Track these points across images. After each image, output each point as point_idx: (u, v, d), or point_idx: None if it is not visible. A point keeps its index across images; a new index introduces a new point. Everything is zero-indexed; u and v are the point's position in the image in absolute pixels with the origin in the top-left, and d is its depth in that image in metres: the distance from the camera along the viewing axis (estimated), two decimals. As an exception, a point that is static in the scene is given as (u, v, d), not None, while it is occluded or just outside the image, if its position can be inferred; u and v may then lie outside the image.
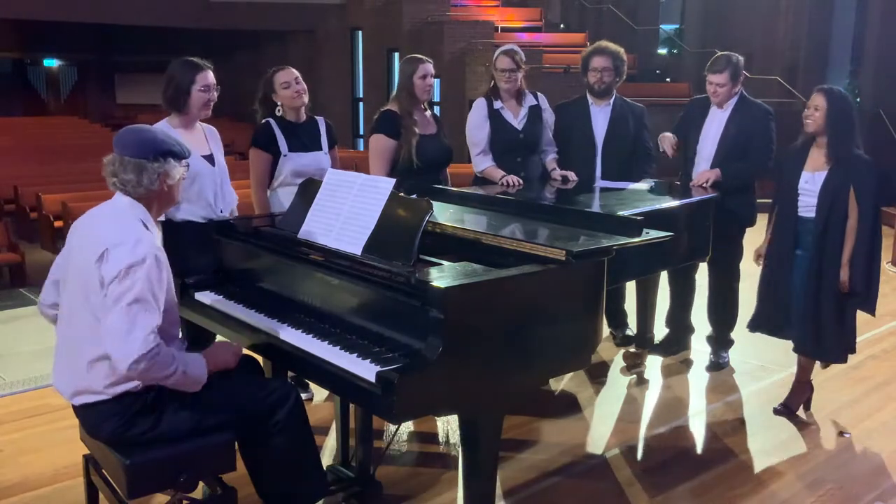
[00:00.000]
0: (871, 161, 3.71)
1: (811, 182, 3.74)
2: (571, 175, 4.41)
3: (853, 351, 3.88)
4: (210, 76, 3.48)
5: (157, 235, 2.47)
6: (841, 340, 3.79)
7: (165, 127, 3.39)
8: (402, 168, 4.03)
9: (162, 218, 3.28)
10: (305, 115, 3.96)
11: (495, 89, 4.42)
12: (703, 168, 4.35)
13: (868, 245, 3.66)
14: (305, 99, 3.90)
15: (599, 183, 4.45)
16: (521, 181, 4.25)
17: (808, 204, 3.76)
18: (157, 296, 2.34)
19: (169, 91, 3.45)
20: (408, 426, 3.81)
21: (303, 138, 3.90)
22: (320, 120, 4.03)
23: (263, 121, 3.90)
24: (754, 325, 4.05)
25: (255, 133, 3.90)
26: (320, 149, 3.95)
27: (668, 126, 4.65)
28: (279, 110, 3.88)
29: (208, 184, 3.50)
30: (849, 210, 3.66)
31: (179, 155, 2.49)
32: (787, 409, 3.99)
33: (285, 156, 3.84)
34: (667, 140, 4.46)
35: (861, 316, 3.82)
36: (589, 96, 4.58)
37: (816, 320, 3.77)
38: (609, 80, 4.48)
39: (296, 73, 3.90)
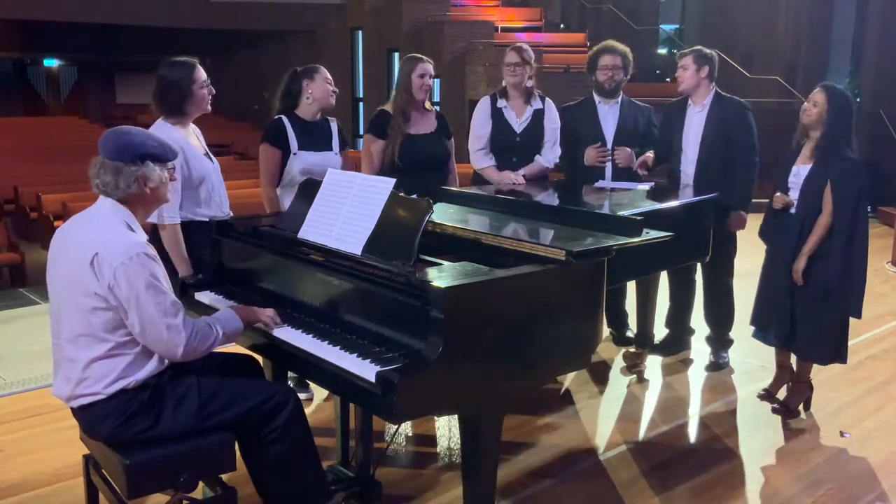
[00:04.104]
0: (858, 161, 3.70)
1: (797, 176, 3.78)
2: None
3: (841, 355, 3.82)
4: (203, 71, 3.42)
5: (142, 237, 2.45)
6: (820, 338, 3.76)
7: (163, 127, 3.32)
8: (387, 168, 4.05)
9: (177, 220, 3.28)
10: (319, 115, 3.95)
11: (503, 88, 4.44)
12: (690, 170, 4.36)
13: (844, 243, 3.63)
14: (333, 102, 3.93)
15: (609, 183, 4.45)
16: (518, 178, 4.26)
17: (796, 199, 3.79)
18: (162, 280, 2.37)
19: (172, 96, 3.33)
20: (408, 426, 3.82)
21: (314, 137, 3.88)
22: (332, 121, 4.03)
23: (276, 117, 3.87)
24: (753, 323, 4.07)
25: (267, 129, 3.87)
26: (331, 149, 3.94)
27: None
28: (308, 98, 3.85)
29: (216, 182, 3.48)
30: (823, 205, 3.66)
31: (161, 158, 2.46)
32: (786, 409, 3.98)
33: (295, 154, 3.81)
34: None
35: (861, 316, 3.81)
36: (596, 96, 4.59)
37: (791, 314, 3.79)
38: (619, 79, 4.50)
39: None
